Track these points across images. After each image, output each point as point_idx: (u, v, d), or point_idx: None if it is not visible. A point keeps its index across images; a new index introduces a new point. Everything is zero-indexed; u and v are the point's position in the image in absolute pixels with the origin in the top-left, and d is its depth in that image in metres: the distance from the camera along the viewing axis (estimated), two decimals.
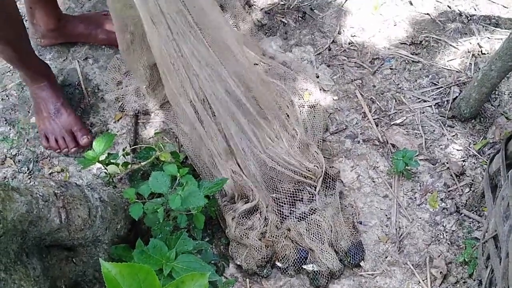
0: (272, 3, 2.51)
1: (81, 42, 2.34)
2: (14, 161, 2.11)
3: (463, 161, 2.08)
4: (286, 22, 2.46)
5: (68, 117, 2.04)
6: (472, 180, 2.04)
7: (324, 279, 1.86)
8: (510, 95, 2.19)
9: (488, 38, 2.34)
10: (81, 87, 2.25)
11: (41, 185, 1.41)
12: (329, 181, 2.02)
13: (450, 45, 2.33)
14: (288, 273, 1.91)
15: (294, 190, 2.00)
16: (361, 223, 1.99)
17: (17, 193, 1.24)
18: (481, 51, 2.30)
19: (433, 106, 2.20)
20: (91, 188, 1.62)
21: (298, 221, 1.95)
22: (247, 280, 1.91)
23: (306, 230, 1.91)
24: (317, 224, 1.92)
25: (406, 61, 2.30)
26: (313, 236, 1.90)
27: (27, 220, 1.25)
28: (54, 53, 2.31)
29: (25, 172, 2.08)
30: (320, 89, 2.26)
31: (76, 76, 2.26)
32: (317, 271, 1.87)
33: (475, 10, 2.42)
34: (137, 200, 1.63)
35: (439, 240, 1.95)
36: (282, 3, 2.49)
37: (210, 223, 1.96)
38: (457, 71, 2.27)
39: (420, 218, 1.99)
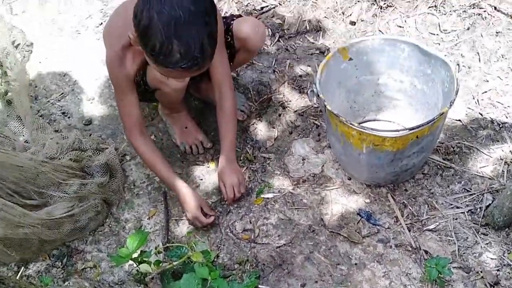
0: (306, 106, 2.59)
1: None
2: (48, 255, 2.15)
3: (498, 270, 2.04)
4: (319, 124, 2.52)
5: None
6: None
7: None
8: None
9: None
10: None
11: (75, 286, 1.43)
12: None
13: (482, 152, 2.34)
14: None
15: None
16: None
17: None
18: None
19: (466, 212, 2.19)
20: None
21: None
22: None
23: None
24: None
25: (438, 167, 2.32)
26: None
27: None
28: None
29: (59, 267, 2.10)
30: (352, 192, 2.28)
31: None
32: None
33: (506, 117, 2.45)
34: None
35: None
36: (316, 106, 2.56)
37: None
38: (489, 178, 2.27)
39: None
